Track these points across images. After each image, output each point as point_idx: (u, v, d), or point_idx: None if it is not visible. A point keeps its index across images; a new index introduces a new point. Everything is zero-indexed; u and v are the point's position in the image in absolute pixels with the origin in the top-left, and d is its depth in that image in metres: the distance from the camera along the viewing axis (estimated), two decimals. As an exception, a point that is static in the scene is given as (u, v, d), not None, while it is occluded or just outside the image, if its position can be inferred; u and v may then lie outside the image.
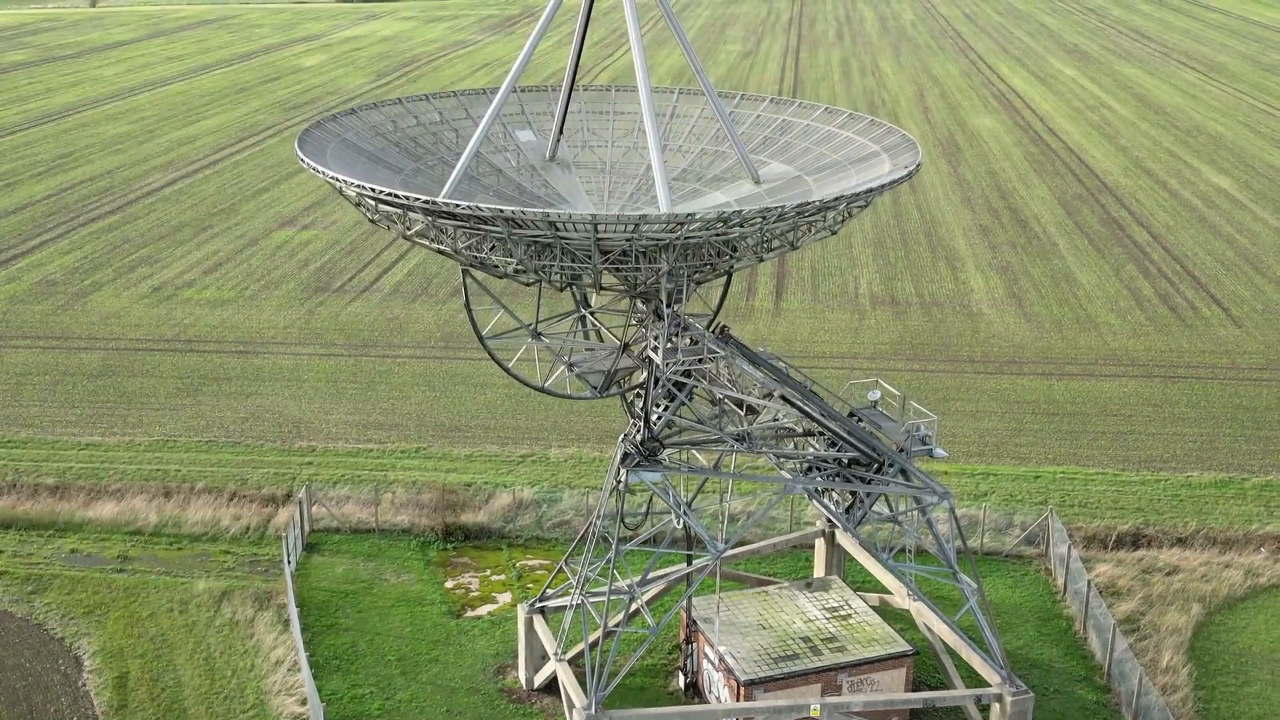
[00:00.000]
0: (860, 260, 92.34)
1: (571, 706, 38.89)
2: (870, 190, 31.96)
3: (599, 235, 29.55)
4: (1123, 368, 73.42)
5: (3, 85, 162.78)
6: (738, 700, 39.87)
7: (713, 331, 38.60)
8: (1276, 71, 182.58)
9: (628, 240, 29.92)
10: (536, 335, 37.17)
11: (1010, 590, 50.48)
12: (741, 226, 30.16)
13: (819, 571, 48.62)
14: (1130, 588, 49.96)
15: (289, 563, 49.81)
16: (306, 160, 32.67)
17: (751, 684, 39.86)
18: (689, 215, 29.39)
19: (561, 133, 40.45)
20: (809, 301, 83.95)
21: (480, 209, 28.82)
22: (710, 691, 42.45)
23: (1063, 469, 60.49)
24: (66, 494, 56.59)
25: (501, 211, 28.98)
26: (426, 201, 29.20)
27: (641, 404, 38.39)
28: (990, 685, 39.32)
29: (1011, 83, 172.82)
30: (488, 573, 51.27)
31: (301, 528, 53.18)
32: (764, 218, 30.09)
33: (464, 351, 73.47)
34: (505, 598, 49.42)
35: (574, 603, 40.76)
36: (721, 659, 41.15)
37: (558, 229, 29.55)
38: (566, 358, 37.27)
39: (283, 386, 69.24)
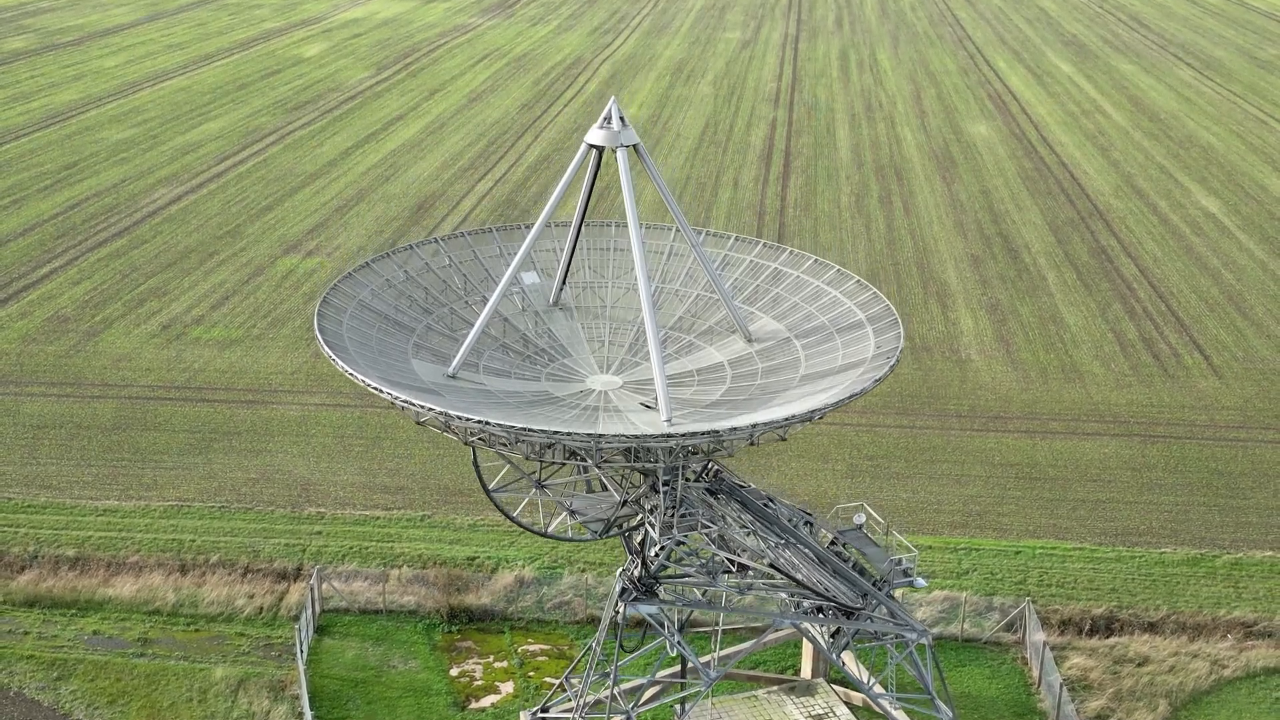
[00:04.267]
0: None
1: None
2: (853, 395, 34.14)
3: (599, 444, 31.82)
4: (1104, 424, 75.77)
5: (5, 79, 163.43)
6: (726, 817, 42.61)
7: (706, 474, 40.85)
8: (1271, 69, 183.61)
9: (628, 446, 32.17)
10: (540, 486, 39.44)
11: (987, 681, 53.13)
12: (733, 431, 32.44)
13: (805, 666, 51.18)
14: (1101, 681, 52.62)
15: (302, 652, 52.37)
16: (327, 350, 34.77)
17: (739, 800, 42.58)
18: (684, 434, 31.61)
19: (565, 281, 42.44)
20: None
21: (488, 423, 31.08)
22: (701, 797, 45.20)
23: (1042, 543, 62.99)
24: (86, 568, 59.01)
25: (511, 428, 31.25)
26: (440, 413, 31.41)
27: (639, 540, 40.84)
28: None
29: (1008, 80, 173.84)
30: (490, 659, 53.86)
31: (313, 608, 55.67)
32: (753, 431, 32.37)
33: (466, 404, 75.63)
34: (508, 687, 52.03)
35: (575, 718, 43.38)
36: (712, 773, 43.85)
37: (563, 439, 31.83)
38: (569, 504, 39.58)
39: (291, 442, 71.49)
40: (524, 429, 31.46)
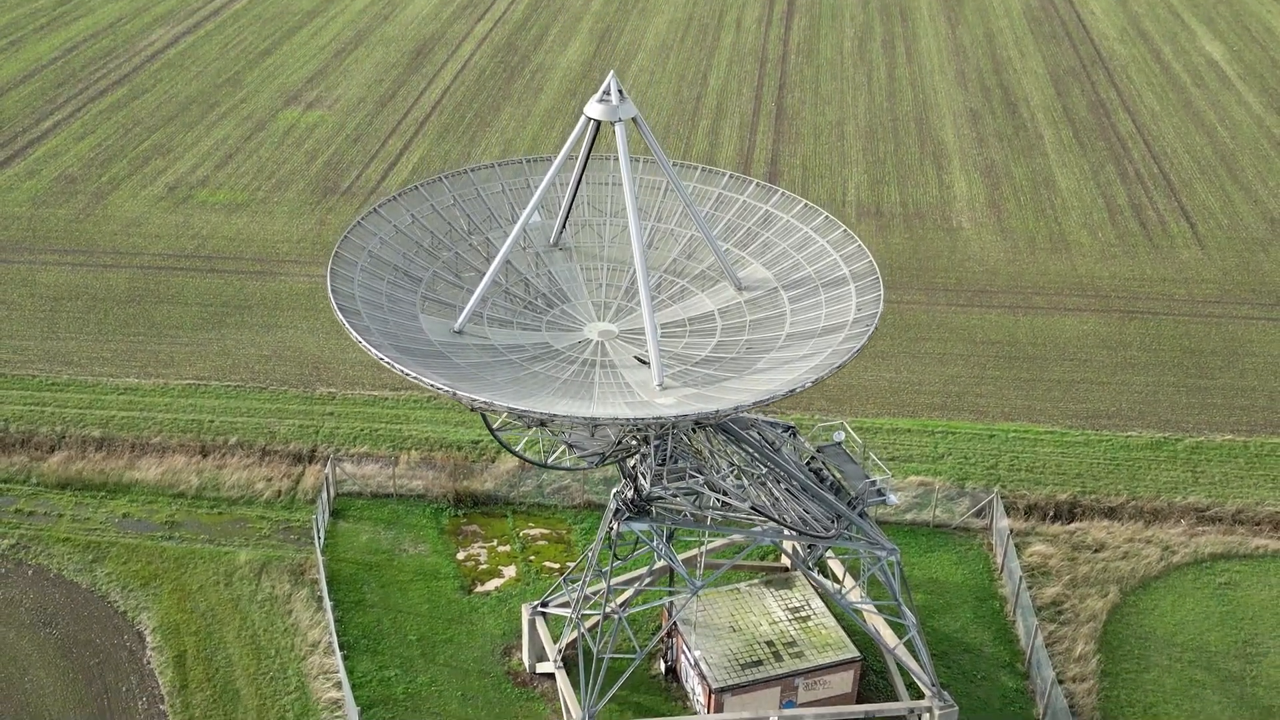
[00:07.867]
0: (851, 157, 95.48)
1: (568, 713, 46.25)
2: (832, 369, 36.73)
3: (596, 425, 34.56)
4: (1086, 299, 78.33)
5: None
6: (709, 706, 47.30)
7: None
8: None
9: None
10: (541, 425, 42.40)
11: (954, 567, 57.35)
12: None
13: (786, 558, 55.23)
14: (1059, 569, 56.79)
15: (319, 538, 56.45)
16: (341, 316, 37.13)
17: (722, 691, 47.18)
18: (674, 418, 34.34)
19: (565, 225, 44.38)
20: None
21: (494, 405, 33.82)
22: (686, 681, 49.85)
23: (1015, 426, 66.42)
24: (113, 449, 62.62)
25: (512, 409, 33.99)
26: (450, 392, 34.10)
27: (632, 464, 44.16)
28: (924, 698, 46.76)
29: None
30: (495, 543, 57.98)
31: (328, 493, 59.50)
32: (736, 409, 35.10)
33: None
34: (510, 571, 56.28)
35: (571, 618, 47.57)
36: (696, 663, 48.31)
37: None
38: (567, 438, 42.61)
39: (301, 317, 74.23)
40: (524, 411, 34.26)
